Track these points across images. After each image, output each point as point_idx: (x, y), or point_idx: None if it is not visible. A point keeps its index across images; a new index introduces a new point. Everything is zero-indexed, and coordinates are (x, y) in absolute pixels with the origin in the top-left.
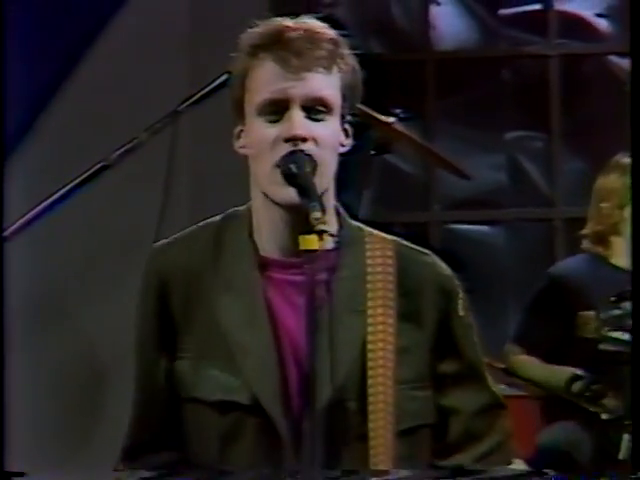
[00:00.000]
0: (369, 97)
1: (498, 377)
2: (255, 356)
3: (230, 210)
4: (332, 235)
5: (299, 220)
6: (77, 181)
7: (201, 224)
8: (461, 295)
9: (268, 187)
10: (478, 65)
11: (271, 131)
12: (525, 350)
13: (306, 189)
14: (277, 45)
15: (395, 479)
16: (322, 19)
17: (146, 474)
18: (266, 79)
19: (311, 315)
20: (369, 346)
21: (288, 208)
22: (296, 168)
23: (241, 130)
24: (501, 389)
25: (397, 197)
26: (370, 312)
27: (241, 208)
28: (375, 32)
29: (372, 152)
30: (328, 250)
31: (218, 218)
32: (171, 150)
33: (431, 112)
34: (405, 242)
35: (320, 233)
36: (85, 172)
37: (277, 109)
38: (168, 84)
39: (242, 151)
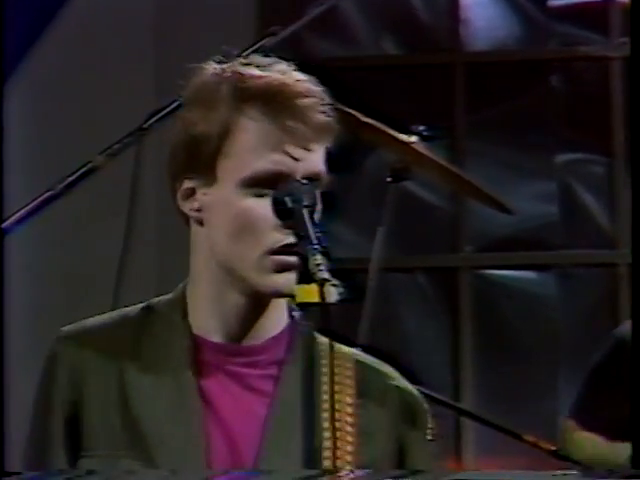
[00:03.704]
0: (384, 110)
1: (547, 461)
2: (176, 452)
3: (152, 300)
4: (335, 285)
5: (265, 303)
6: (16, 217)
7: (116, 313)
8: (428, 417)
9: (249, 274)
10: (521, 70)
11: (261, 209)
12: (584, 427)
13: (305, 228)
14: (277, 106)
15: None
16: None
17: None
18: (261, 145)
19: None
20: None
21: (266, 295)
22: (292, 202)
23: (192, 189)
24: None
25: (419, 236)
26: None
27: (167, 296)
28: (390, 29)
29: (388, 179)
30: (279, 337)
31: (138, 308)
32: (134, 176)
33: (461, 129)
34: (363, 354)
35: (322, 283)
36: (27, 205)
37: (271, 182)
38: (132, 91)
39: (195, 215)
